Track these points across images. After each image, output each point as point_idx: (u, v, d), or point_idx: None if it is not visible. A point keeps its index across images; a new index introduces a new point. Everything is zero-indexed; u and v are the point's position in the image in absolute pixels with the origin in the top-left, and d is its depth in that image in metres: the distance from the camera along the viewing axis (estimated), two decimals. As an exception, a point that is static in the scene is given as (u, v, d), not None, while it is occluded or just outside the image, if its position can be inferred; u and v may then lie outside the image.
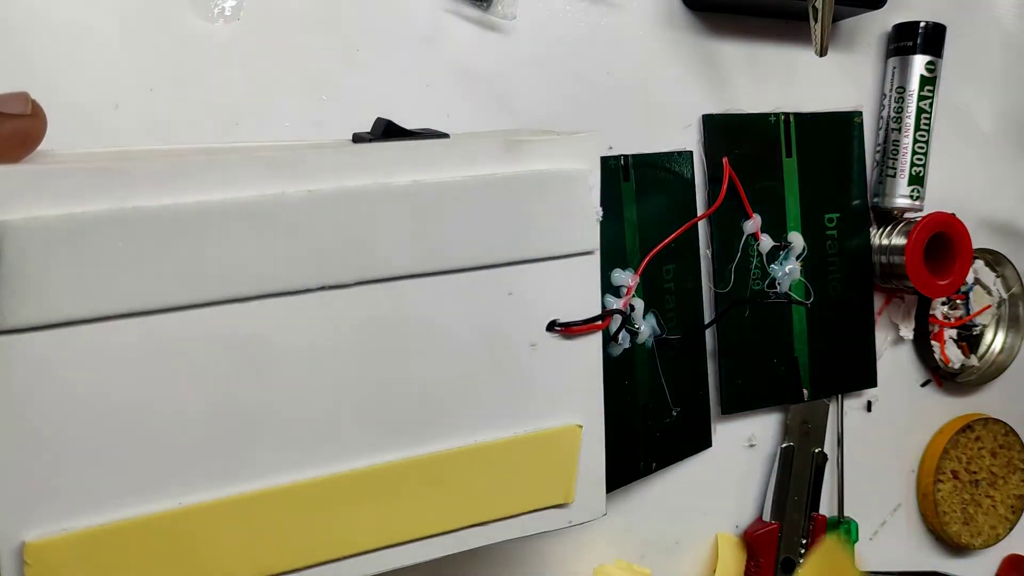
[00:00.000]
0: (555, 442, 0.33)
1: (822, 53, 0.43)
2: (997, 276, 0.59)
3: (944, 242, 0.52)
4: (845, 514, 0.54)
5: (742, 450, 0.52)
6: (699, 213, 0.47)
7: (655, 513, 0.49)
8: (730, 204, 0.47)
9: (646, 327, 0.45)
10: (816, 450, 0.52)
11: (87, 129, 0.35)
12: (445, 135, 0.32)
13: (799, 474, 0.51)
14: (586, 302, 0.33)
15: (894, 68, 0.53)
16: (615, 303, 0.44)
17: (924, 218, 0.51)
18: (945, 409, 0.59)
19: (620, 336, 0.44)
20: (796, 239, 0.50)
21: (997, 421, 0.58)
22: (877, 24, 0.54)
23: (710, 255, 0.48)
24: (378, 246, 0.29)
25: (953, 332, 0.58)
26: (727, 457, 0.51)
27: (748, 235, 0.48)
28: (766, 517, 0.51)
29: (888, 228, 0.53)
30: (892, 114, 0.53)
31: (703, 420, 0.49)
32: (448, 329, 0.30)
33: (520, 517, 0.32)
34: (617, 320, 0.43)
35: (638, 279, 0.44)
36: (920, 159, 0.53)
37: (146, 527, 0.27)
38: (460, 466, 0.31)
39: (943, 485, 0.57)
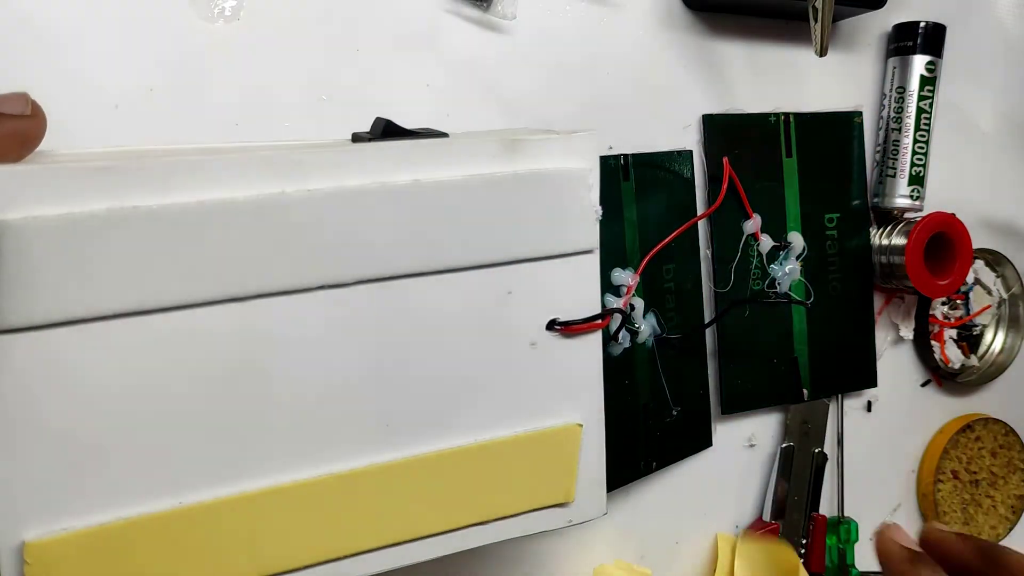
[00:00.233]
0: (555, 441, 0.33)
1: (822, 53, 0.43)
2: (997, 276, 0.59)
3: (944, 242, 0.52)
4: (845, 514, 0.54)
5: (742, 450, 0.52)
6: (699, 213, 0.47)
7: (655, 513, 0.49)
8: (730, 204, 0.47)
9: (646, 327, 0.45)
10: (816, 450, 0.52)
11: (87, 129, 0.35)
12: (444, 135, 0.32)
13: (799, 474, 0.51)
14: (586, 301, 0.33)
15: (894, 68, 0.53)
16: (615, 302, 0.44)
17: (924, 218, 0.51)
18: (945, 409, 0.59)
19: (620, 335, 0.44)
20: (796, 239, 0.50)
21: (997, 421, 0.58)
22: (877, 24, 0.54)
23: (710, 255, 0.48)
24: (377, 245, 0.29)
25: (953, 332, 0.58)
26: (727, 457, 0.51)
27: (748, 235, 0.48)
28: (766, 517, 0.51)
29: (888, 228, 0.53)
30: (892, 114, 0.53)
31: (703, 420, 0.49)
32: (448, 328, 0.30)
33: (520, 516, 0.32)
34: (617, 319, 0.43)
35: (638, 278, 0.44)
36: (920, 159, 0.53)
37: (146, 526, 0.27)
38: (460, 465, 0.31)
39: (943, 485, 0.57)
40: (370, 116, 0.33)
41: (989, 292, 0.59)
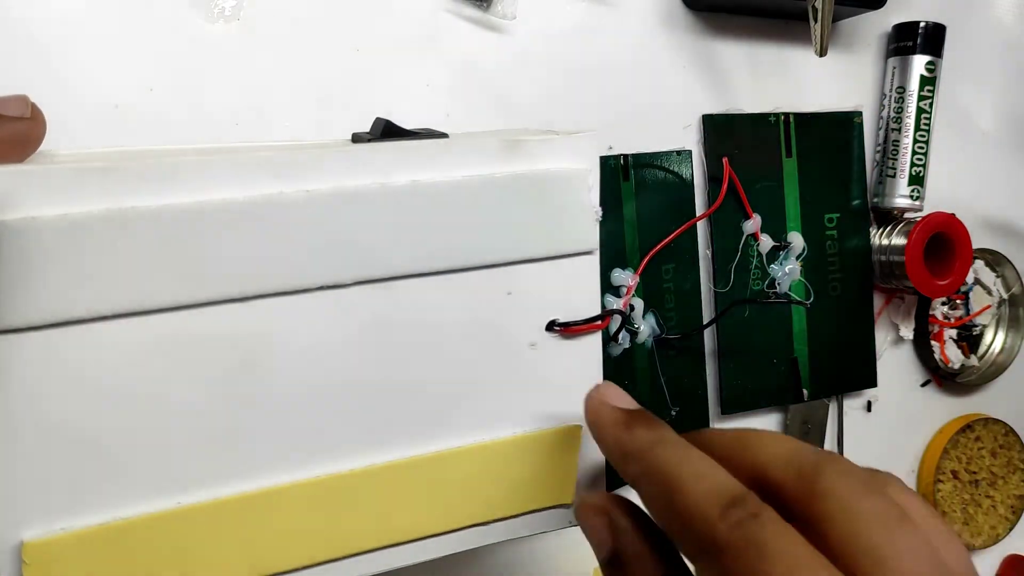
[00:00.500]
0: (555, 442, 0.33)
1: (822, 53, 0.43)
2: (997, 276, 0.59)
3: (944, 242, 0.52)
4: (845, 514, 0.54)
5: (742, 450, 0.51)
6: (699, 213, 0.47)
7: (655, 513, 0.49)
8: (730, 204, 0.47)
9: (646, 327, 0.45)
10: (816, 450, 0.52)
11: (87, 129, 0.35)
12: (444, 135, 0.32)
13: (799, 474, 0.51)
14: (586, 302, 0.33)
15: (894, 68, 0.53)
16: (615, 303, 0.44)
17: (924, 218, 0.51)
18: (945, 409, 0.59)
19: (620, 336, 0.44)
20: (796, 239, 0.50)
21: (997, 421, 0.58)
22: (877, 24, 0.54)
23: (710, 255, 0.48)
24: (377, 246, 0.29)
25: (953, 332, 0.58)
26: (727, 457, 0.51)
27: (748, 235, 0.48)
28: (766, 517, 0.51)
29: (888, 228, 0.53)
30: (892, 114, 0.53)
31: (702, 420, 0.48)
32: (447, 329, 0.30)
33: (520, 517, 0.32)
34: (617, 320, 0.43)
35: (638, 279, 0.44)
36: (920, 159, 0.53)
37: (145, 527, 0.27)
38: (460, 466, 0.31)
39: (943, 485, 0.57)
40: (369, 116, 0.33)
41: (989, 292, 0.59)
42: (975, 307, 0.58)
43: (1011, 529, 0.59)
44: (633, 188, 0.45)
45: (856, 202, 0.52)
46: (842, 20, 0.52)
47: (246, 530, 0.28)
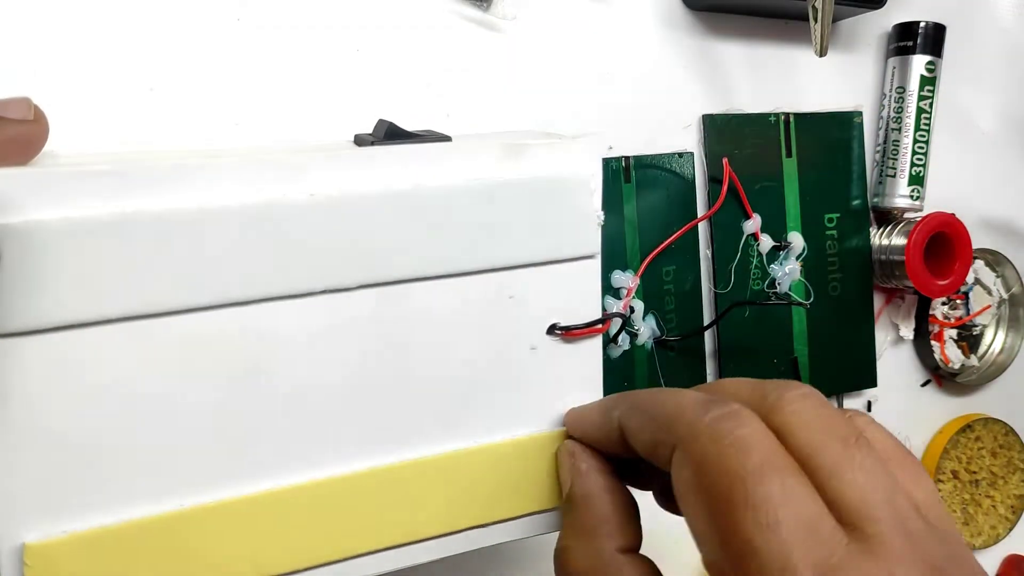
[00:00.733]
0: (556, 444, 0.33)
1: (822, 53, 0.43)
2: (997, 276, 0.59)
3: (944, 242, 0.52)
4: (845, 514, 0.54)
5: (742, 450, 0.51)
6: (699, 213, 0.47)
7: (655, 514, 0.49)
8: (730, 204, 0.47)
9: (646, 329, 0.45)
10: (816, 450, 0.52)
11: (88, 129, 0.35)
12: (447, 137, 0.32)
13: (799, 474, 0.51)
14: (587, 305, 0.33)
15: (894, 68, 0.53)
16: (615, 305, 0.44)
17: (924, 218, 0.51)
18: (945, 409, 0.59)
19: (620, 338, 0.44)
20: (796, 239, 0.50)
21: (997, 421, 0.59)
22: (877, 24, 0.54)
23: (710, 255, 0.48)
24: (380, 250, 0.29)
25: (953, 332, 0.58)
26: (727, 457, 0.51)
27: (748, 235, 0.48)
28: (766, 517, 0.51)
29: (888, 228, 0.53)
30: (892, 114, 0.53)
31: (703, 420, 0.48)
32: (449, 332, 0.30)
33: (521, 519, 0.32)
34: (617, 323, 0.43)
35: (638, 280, 0.44)
36: (920, 159, 0.53)
37: (147, 529, 0.27)
38: (461, 468, 0.31)
39: (943, 485, 0.57)
40: (370, 116, 0.33)
41: (989, 292, 0.59)
42: (975, 307, 0.58)
43: (1011, 529, 0.59)
44: (634, 189, 0.45)
45: (856, 202, 0.52)
46: (842, 20, 0.52)
47: (247, 533, 0.28)
